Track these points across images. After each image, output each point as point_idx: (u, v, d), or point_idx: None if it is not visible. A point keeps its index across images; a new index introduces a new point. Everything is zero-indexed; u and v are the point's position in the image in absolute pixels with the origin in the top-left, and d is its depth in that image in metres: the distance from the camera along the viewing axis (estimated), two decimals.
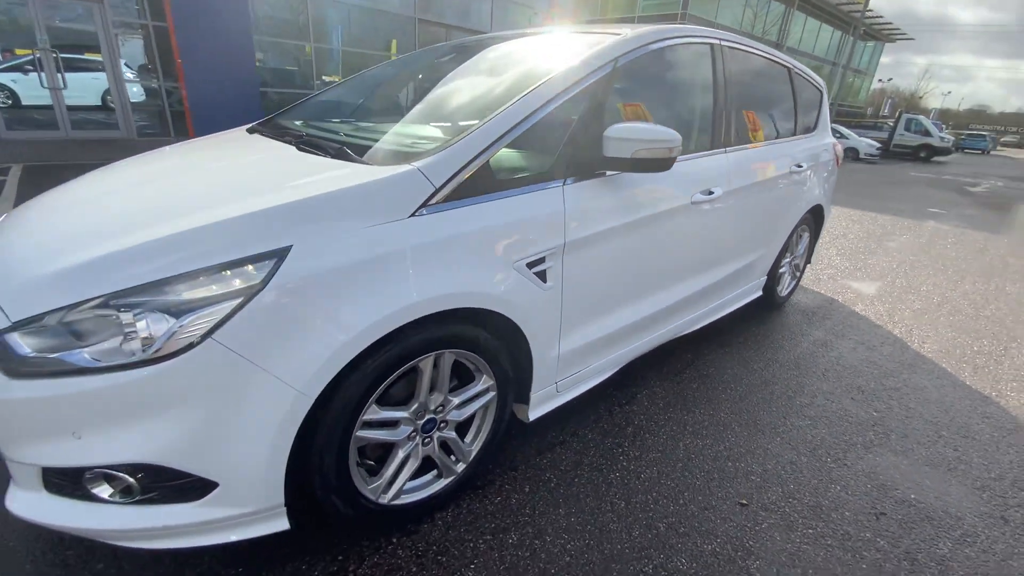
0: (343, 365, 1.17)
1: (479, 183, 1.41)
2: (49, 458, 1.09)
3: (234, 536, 1.21)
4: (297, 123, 2.13)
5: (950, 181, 13.81)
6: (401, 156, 1.42)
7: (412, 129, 1.82)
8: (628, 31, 1.87)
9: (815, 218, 3.39)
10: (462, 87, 2.08)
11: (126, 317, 1.03)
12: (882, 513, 1.73)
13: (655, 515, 1.64)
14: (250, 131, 2.10)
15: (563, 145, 1.59)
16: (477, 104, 1.77)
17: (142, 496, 1.14)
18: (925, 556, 1.57)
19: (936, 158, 21.96)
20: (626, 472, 1.81)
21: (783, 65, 2.88)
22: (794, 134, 3.00)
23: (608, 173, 1.68)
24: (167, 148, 2.06)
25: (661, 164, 1.58)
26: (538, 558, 1.46)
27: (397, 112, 2.35)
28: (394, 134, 1.79)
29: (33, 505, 1.15)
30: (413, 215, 1.29)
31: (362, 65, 10.77)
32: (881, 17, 32.34)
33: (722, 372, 2.57)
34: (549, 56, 1.91)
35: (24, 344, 1.04)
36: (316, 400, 1.16)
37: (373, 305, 1.18)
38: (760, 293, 3.07)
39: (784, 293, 3.45)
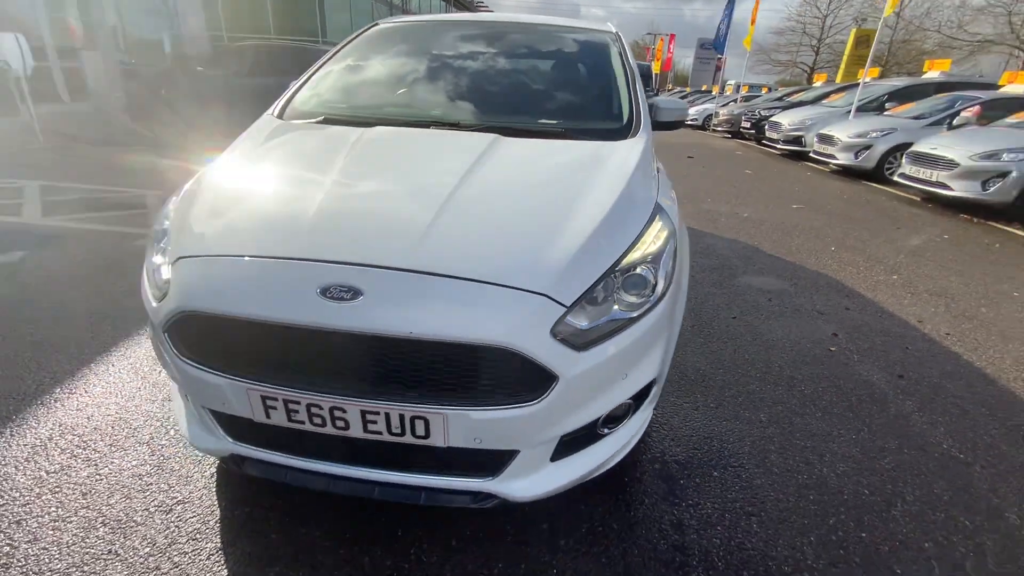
0: None
1: None
2: (575, 422, 1.32)
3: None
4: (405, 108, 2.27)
5: None
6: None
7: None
8: None
9: None
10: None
11: (647, 274, 1.38)
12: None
13: None
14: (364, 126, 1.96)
15: None
16: None
17: (626, 417, 1.46)
18: None
19: None
20: None
21: None
22: None
23: None
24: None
25: None
26: None
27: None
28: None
29: (539, 482, 1.37)
30: None
31: None
32: None
33: None
34: None
35: (582, 320, 1.25)
36: None
37: None
38: None
39: None
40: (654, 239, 1.48)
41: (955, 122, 8.00)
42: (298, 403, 1.26)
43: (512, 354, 1.17)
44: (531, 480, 1.36)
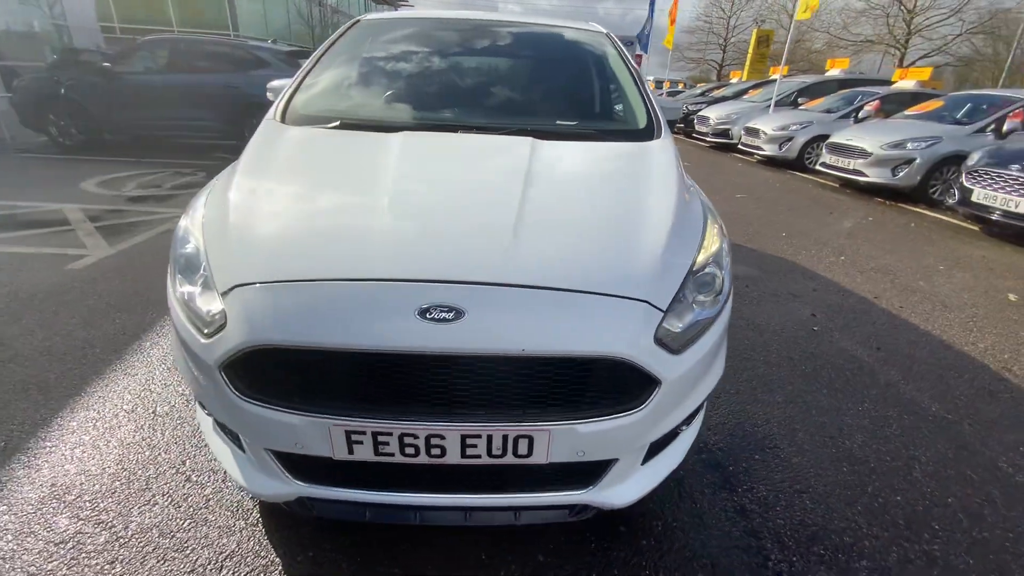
0: None
1: None
2: (669, 424, 1.32)
3: None
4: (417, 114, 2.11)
5: None
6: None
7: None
8: None
9: None
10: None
11: (715, 272, 1.41)
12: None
13: None
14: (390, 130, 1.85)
15: None
16: None
17: (699, 412, 1.50)
18: None
19: None
20: None
21: None
22: None
23: None
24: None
25: None
26: None
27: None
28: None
29: (633, 487, 1.36)
30: None
31: None
32: None
33: None
34: None
35: (675, 323, 1.25)
36: None
37: None
38: None
39: None
40: (714, 238, 1.52)
41: (860, 115, 8.92)
42: (389, 434, 1.17)
43: (620, 363, 1.16)
44: (626, 486, 1.36)
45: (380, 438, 1.17)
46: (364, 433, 1.17)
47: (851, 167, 7.33)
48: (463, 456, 1.21)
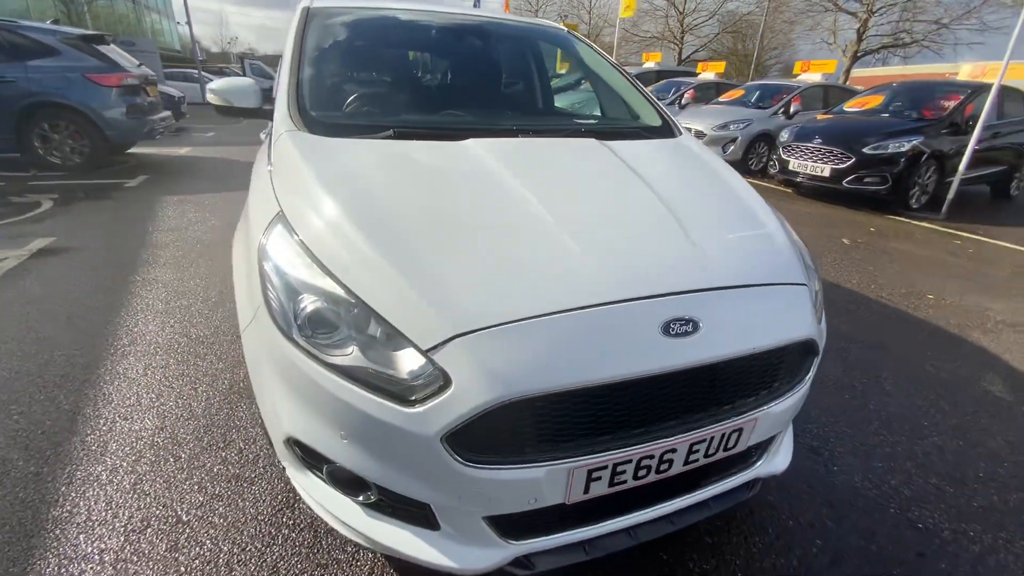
0: None
1: None
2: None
3: None
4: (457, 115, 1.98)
5: None
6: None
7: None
8: None
9: None
10: None
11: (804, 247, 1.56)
12: None
13: None
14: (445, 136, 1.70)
15: None
16: None
17: None
18: None
19: None
20: None
21: None
22: None
23: None
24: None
25: None
26: None
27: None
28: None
29: (786, 453, 1.51)
30: None
31: None
32: None
33: None
34: None
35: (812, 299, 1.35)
36: None
37: None
38: None
39: None
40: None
41: (683, 102, 10.49)
42: (628, 462, 1.13)
43: (804, 343, 1.28)
44: (782, 453, 1.51)
45: (619, 468, 1.12)
46: (605, 468, 1.11)
47: None
48: (685, 464, 1.22)
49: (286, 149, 1.52)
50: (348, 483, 1.16)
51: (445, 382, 0.98)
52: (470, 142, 1.64)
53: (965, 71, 8.47)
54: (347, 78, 2.01)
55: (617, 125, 2.18)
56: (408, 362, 1.02)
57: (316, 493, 1.23)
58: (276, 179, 1.45)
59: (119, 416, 1.92)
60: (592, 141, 1.80)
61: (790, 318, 1.27)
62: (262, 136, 2.94)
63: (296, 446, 1.21)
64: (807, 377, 1.36)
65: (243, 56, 26.33)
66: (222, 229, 4.25)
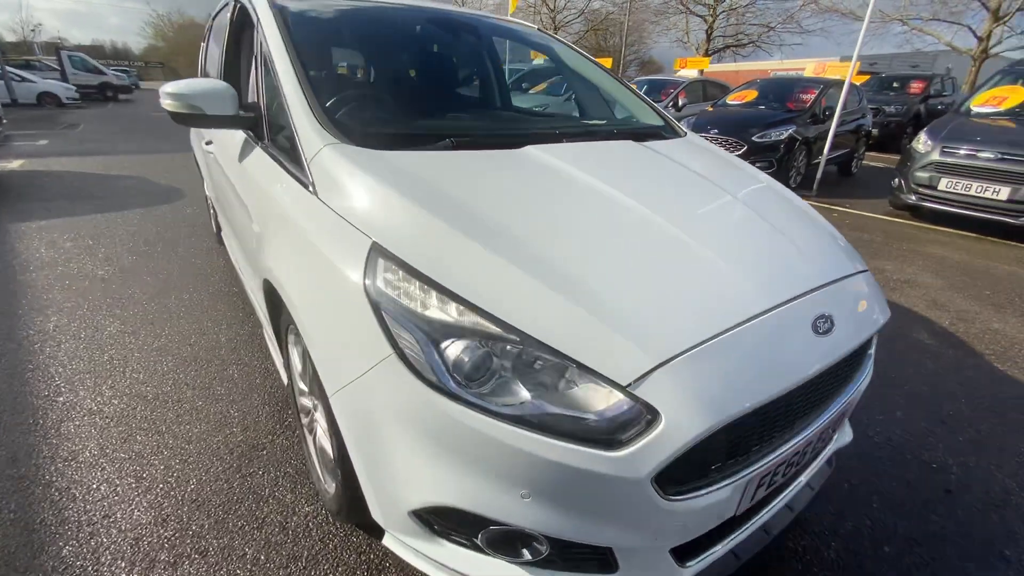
0: None
1: None
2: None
3: None
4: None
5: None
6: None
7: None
8: None
9: None
10: None
11: None
12: None
13: None
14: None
15: None
16: None
17: None
18: None
19: (122, 96, 21.58)
20: None
21: None
22: None
23: None
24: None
25: None
26: None
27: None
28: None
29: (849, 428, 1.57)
30: None
31: None
32: None
33: None
34: None
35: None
36: None
37: None
38: None
39: None
40: None
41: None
42: (784, 462, 1.15)
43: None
44: (847, 426, 1.63)
45: (777, 470, 1.13)
46: (769, 473, 1.11)
47: None
48: (814, 452, 1.26)
49: (340, 166, 1.27)
50: (509, 543, 1.02)
51: (652, 417, 0.90)
52: (529, 149, 1.52)
53: (810, 68, 9.93)
54: (368, 82, 1.75)
55: (635, 126, 2.18)
56: (597, 400, 0.91)
57: (456, 563, 1.06)
58: (335, 201, 1.21)
59: None
60: (629, 143, 1.77)
61: (876, 301, 1.37)
62: (205, 146, 2.48)
63: (434, 515, 1.03)
64: (872, 349, 1.48)
65: (58, 47, 22.32)
66: (118, 258, 3.52)
